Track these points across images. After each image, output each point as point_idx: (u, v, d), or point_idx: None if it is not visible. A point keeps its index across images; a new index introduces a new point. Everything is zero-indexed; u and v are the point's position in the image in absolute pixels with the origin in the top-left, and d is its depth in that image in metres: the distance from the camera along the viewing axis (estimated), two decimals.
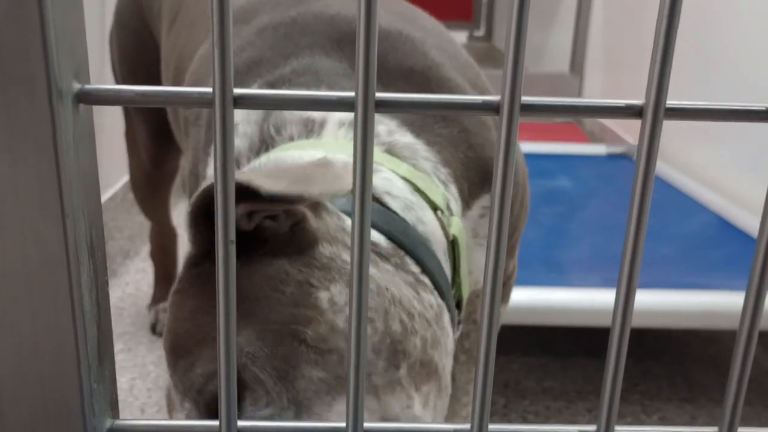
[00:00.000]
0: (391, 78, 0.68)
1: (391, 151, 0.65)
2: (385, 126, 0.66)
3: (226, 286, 0.29)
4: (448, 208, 0.66)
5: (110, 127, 1.42)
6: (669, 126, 1.89)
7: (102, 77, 1.59)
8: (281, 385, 0.49)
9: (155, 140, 1.28)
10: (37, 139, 0.27)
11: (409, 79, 0.68)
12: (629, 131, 2.40)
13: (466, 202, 0.70)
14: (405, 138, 0.66)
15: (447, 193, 0.66)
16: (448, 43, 0.75)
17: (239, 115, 0.67)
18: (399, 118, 0.66)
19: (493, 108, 0.26)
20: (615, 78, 2.61)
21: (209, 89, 0.27)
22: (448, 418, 0.95)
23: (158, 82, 1.14)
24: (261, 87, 0.68)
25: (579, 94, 2.91)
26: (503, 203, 0.28)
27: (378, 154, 0.64)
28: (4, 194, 0.27)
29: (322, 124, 0.65)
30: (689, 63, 1.89)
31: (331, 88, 0.67)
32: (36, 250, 0.28)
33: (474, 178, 0.69)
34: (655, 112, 0.26)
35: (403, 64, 0.68)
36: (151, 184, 1.38)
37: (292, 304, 0.51)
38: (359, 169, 0.27)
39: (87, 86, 0.28)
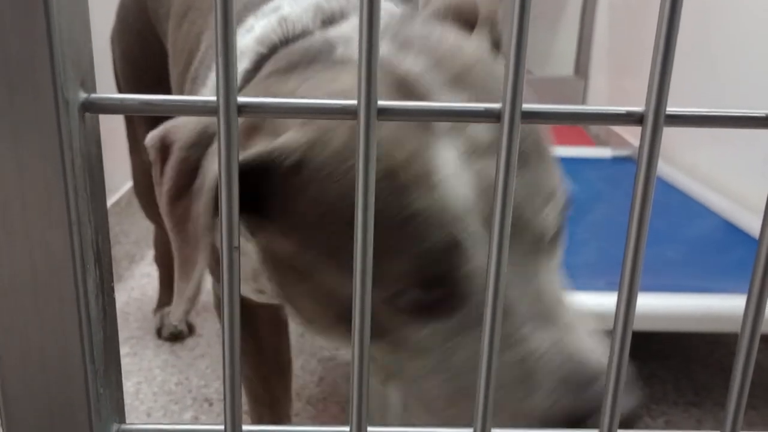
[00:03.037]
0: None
1: None
2: None
3: (230, 293, 0.29)
4: None
5: (114, 132, 1.42)
6: (674, 128, 1.89)
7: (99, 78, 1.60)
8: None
9: None
10: (44, 148, 0.27)
11: None
12: (634, 135, 2.40)
13: None
14: None
15: None
16: None
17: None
18: None
19: (495, 115, 0.26)
20: (620, 81, 2.61)
21: (213, 98, 0.27)
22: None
23: (164, 83, 1.14)
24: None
25: (584, 97, 2.90)
26: (504, 209, 0.28)
27: None
28: (11, 202, 0.28)
29: None
30: (690, 69, 1.89)
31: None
32: (42, 257, 0.28)
33: None
34: (655, 119, 0.26)
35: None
36: (153, 186, 1.37)
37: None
38: (362, 178, 0.27)
39: (93, 95, 0.28)
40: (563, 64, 3.01)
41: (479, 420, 0.31)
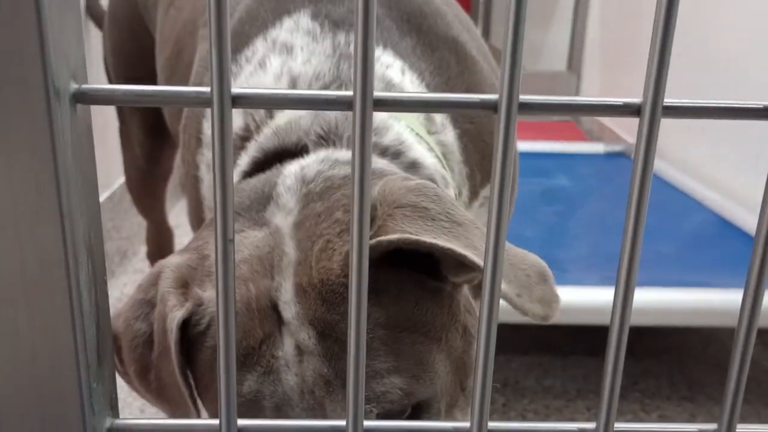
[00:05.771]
0: (440, 42, 0.72)
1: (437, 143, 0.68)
2: (440, 117, 0.69)
3: (225, 285, 0.29)
4: (460, 193, 0.70)
5: (107, 126, 1.42)
6: (668, 124, 1.90)
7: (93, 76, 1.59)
8: None
9: (149, 136, 1.27)
10: (35, 140, 0.26)
11: (452, 49, 0.72)
12: (627, 130, 2.40)
13: (476, 192, 0.73)
14: (447, 134, 0.70)
15: (462, 180, 0.70)
16: (473, 29, 0.80)
17: (302, 38, 0.68)
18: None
19: (491, 106, 0.26)
20: (612, 76, 2.61)
21: (207, 89, 0.27)
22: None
23: (154, 77, 1.13)
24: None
25: (576, 93, 2.91)
26: (501, 201, 0.28)
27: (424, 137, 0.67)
28: (1, 196, 0.27)
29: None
30: (687, 60, 1.89)
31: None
32: (34, 252, 0.28)
33: (488, 167, 0.72)
34: (652, 111, 0.26)
35: (448, 33, 0.73)
36: (146, 183, 1.37)
37: None
38: (357, 166, 0.27)
39: (84, 86, 0.28)
40: (556, 60, 3.01)
41: (476, 416, 0.31)
